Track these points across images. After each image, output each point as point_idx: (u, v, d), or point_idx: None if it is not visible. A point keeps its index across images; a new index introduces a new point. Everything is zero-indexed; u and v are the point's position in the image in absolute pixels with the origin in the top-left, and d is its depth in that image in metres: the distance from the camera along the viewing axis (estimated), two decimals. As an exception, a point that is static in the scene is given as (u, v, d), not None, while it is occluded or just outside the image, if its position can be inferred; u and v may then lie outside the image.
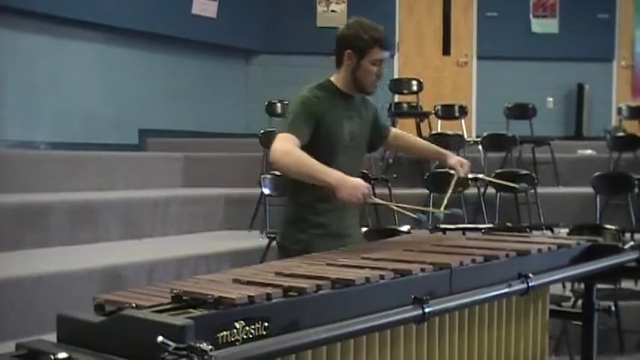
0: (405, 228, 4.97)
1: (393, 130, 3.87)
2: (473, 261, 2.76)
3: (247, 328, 1.96)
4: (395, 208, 3.48)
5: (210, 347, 1.69)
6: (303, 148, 3.25)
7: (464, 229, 5.81)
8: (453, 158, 3.69)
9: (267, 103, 9.70)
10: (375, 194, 7.38)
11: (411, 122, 9.72)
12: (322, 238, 3.36)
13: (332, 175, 3.11)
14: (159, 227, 6.86)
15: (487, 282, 2.72)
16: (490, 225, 6.42)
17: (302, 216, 3.43)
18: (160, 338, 1.70)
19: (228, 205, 7.56)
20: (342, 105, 3.44)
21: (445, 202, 3.59)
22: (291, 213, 3.48)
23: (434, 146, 3.92)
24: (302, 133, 3.26)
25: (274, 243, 5.91)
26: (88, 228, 6.21)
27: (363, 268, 2.52)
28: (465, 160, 3.67)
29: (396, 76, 11.03)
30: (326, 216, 3.41)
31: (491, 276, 2.78)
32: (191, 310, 2.00)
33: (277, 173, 7.13)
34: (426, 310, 2.29)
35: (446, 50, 11.62)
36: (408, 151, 4.09)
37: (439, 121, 9.82)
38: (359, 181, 3.13)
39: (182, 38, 9.89)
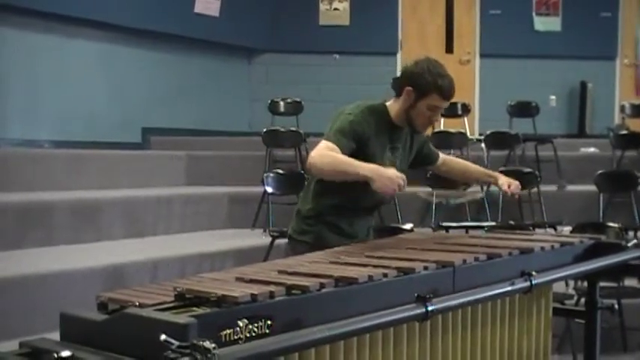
0: (408, 226, 4.98)
1: (442, 156, 3.86)
2: (476, 259, 2.76)
3: (250, 326, 1.97)
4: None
5: (213, 345, 1.69)
6: None
7: (467, 228, 5.83)
8: (502, 179, 3.69)
9: (270, 101, 9.70)
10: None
11: (413, 120, 9.70)
12: (331, 233, 3.44)
13: (367, 166, 3.12)
14: (162, 226, 6.86)
15: (490, 280, 2.72)
16: (493, 223, 6.42)
17: (316, 214, 3.47)
18: (163, 336, 1.70)
19: (231, 204, 7.56)
20: (389, 135, 3.43)
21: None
22: (306, 211, 3.51)
23: (481, 169, 3.97)
24: (344, 147, 3.24)
25: (277, 241, 5.96)
26: (91, 226, 6.21)
27: (366, 266, 2.52)
28: (512, 180, 3.66)
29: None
30: (340, 219, 3.47)
31: (495, 274, 2.78)
32: (194, 308, 2.00)
33: (280, 171, 7.14)
34: (429, 308, 2.30)
35: (449, 48, 11.60)
36: (456, 176, 4.03)
37: (442, 119, 9.77)
38: (394, 171, 3.11)
39: (185, 37, 9.88)
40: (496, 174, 3.80)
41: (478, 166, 4.05)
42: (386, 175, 3.07)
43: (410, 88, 3.32)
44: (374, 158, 3.32)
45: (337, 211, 3.46)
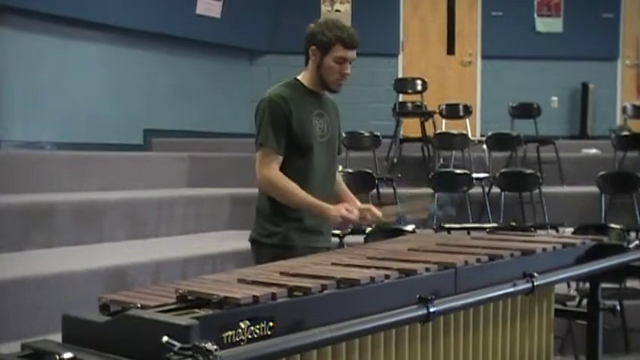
0: (409, 228, 4.97)
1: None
2: (478, 260, 2.76)
3: (252, 327, 1.97)
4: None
5: (215, 347, 1.69)
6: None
7: (468, 229, 5.82)
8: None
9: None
10: (379, 195, 7.40)
11: (415, 122, 9.71)
12: (297, 232, 3.42)
13: (316, 211, 3.35)
14: (164, 227, 6.86)
15: (492, 281, 2.72)
16: (495, 224, 6.41)
17: (277, 210, 3.44)
18: (165, 338, 1.70)
19: (233, 205, 7.55)
20: (310, 102, 3.49)
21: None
22: (266, 207, 3.48)
23: (343, 192, 3.75)
24: (277, 143, 3.37)
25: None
26: (93, 228, 6.21)
27: (368, 267, 2.52)
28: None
29: (400, 76, 11.03)
30: (301, 210, 3.43)
31: (496, 275, 2.78)
32: (196, 310, 2.01)
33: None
34: (431, 309, 2.30)
35: (450, 49, 11.60)
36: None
37: (443, 121, 9.81)
38: (336, 209, 3.32)
39: (187, 38, 9.89)
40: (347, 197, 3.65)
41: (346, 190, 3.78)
42: (329, 215, 3.32)
43: (314, 47, 3.42)
44: (303, 124, 3.42)
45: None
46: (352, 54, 3.43)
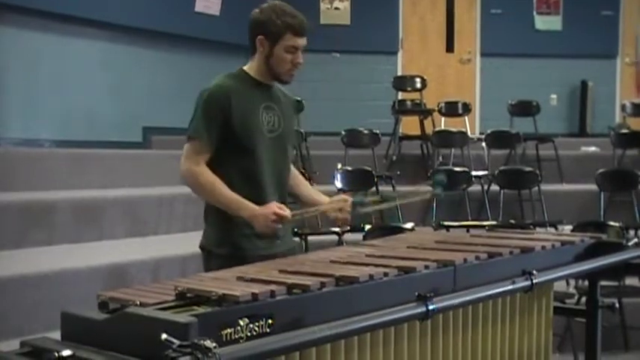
0: (409, 225, 4.98)
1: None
2: (477, 258, 2.76)
3: (251, 325, 1.97)
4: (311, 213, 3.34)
5: (214, 344, 1.69)
6: (221, 144, 3.14)
7: (468, 227, 5.83)
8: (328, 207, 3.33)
9: (270, 100, 9.68)
10: (378, 192, 7.40)
11: (414, 119, 9.72)
12: (250, 239, 3.13)
13: (244, 210, 3.05)
14: (163, 225, 6.86)
15: (491, 279, 2.72)
16: (494, 222, 6.42)
17: (227, 215, 3.13)
18: (164, 335, 1.70)
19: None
20: (257, 94, 3.23)
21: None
22: (215, 213, 3.19)
23: (311, 192, 3.50)
24: (208, 137, 3.12)
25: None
26: (92, 226, 6.21)
27: (367, 265, 2.52)
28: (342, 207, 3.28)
29: (399, 74, 11.03)
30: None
31: (495, 273, 2.78)
32: (195, 307, 2.01)
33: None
34: (430, 307, 2.30)
35: (449, 47, 11.61)
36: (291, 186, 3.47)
37: (443, 119, 9.82)
38: (267, 207, 3.04)
39: (186, 36, 9.89)
40: (323, 200, 3.39)
41: (312, 189, 3.58)
42: (261, 215, 3.02)
43: (262, 37, 3.18)
44: (247, 117, 3.15)
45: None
46: (303, 41, 3.22)
